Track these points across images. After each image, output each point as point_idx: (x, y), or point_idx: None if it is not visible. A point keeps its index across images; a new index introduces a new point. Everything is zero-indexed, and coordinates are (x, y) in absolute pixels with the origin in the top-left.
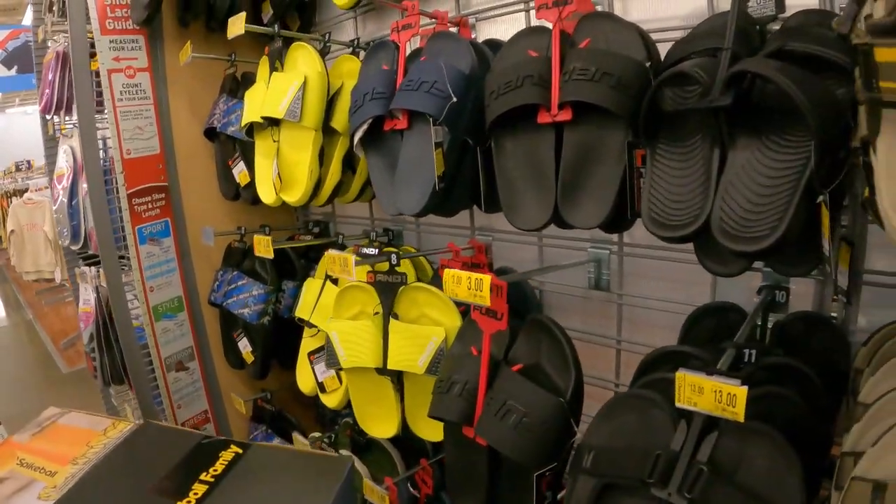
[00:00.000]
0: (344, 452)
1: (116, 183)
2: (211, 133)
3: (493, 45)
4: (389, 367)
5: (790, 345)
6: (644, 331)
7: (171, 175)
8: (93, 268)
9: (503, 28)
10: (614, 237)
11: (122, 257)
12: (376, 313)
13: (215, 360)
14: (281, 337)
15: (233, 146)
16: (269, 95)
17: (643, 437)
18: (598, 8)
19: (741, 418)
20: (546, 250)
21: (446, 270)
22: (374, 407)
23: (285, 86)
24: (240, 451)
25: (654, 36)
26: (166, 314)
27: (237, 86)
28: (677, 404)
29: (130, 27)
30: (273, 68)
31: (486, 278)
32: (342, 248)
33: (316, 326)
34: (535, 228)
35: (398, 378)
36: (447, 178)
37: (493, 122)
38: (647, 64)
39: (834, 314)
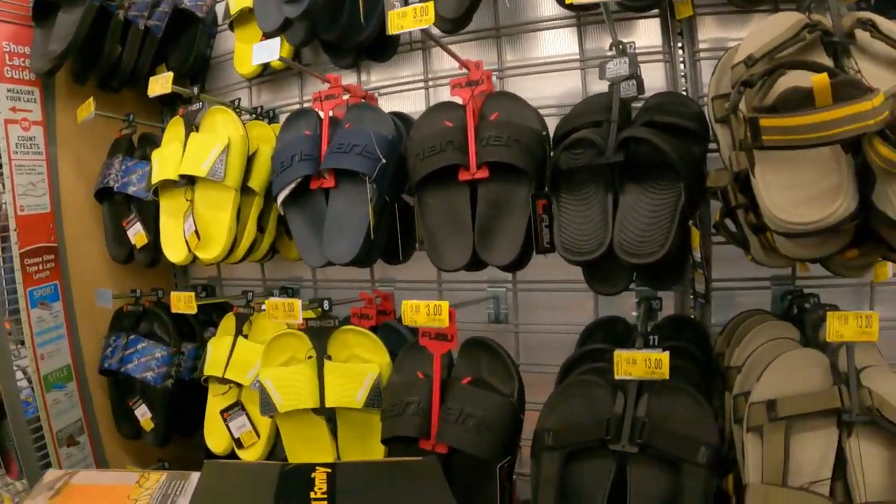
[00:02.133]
0: None
1: (9, 241)
2: (101, 194)
3: (398, 116)
4: (328, 405)
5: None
6: (540, 354)
7: (59, 236)
8: None
9: (399, 104)
10: (508, 277)
11: None
12: (310, 357)
13: (104, 431)
14: (182, 401)
15: (128, 207)
16: (188, 155)
17: (592, 410)
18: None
19: (667, 376)
20: (446, 294)
21: (404, 302)
22: (309, 450)
23: (208, 146)
24: (329, 469)
25: None
26: (56, 384)
27: (132, 147)
28: (616, 376)
29: (27, 77)
30: (189, 129)
31: (445, 304)
32: (248, 305)
33: (230, 382)
34: (457, 269)
35: (332, 418)
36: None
37: (419, 180)
38: (544, 133)
39: (692, 316)
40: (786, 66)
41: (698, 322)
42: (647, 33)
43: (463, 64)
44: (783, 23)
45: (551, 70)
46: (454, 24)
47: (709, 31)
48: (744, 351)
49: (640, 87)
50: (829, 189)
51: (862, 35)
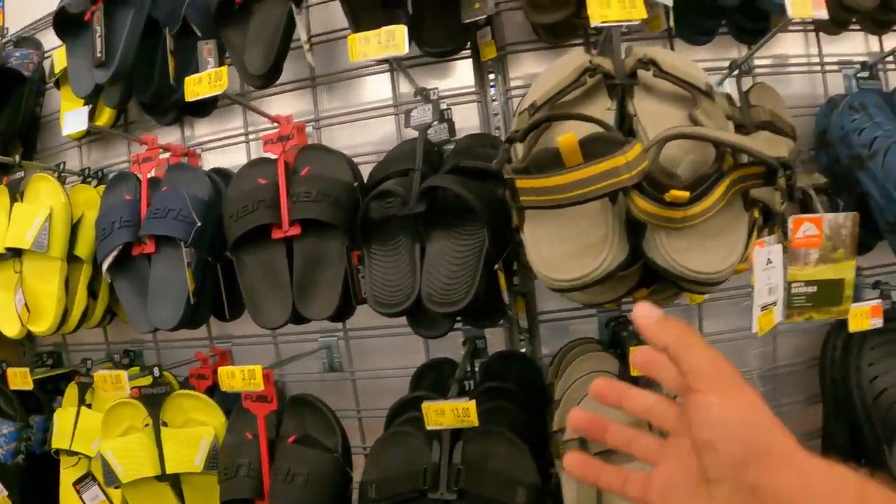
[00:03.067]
0: None
1: None
2: None
3: (220, 173)
4: (169, 471)
5: (497, 377)
6: (378, 399)
7: None
8: None
9: (225, 158)
10: (339, 326)
11: None
12: (147, 425)
13: None
14: (37, 476)
15: None
16: (12, 226)
17: (409, 460)
18: (310, 140)
19: (476, 423)
20: (282, 347)
21: (220, 368)
22: None
23: (30, 217)
24: None
25: (354, 159)
26: None
27: None
28: (428, 427)
29: None
30: (13, 199)
31: (258, 368)
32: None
33: (77, 454)
34: (278, 326)
35: (176, 483)
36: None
37: (234, 241)
38: (355, 184)
39: (524, 349)
40: (545, 121)
41: (527, 356)
42: (462, 73)
43: (272, 119)
44: (567, 66)
45: (367, 117)
46: (262, 79)
47: (525, 67)
48: (564, 385)
49: (451, 130)
50: (595, 242)
51: (645, 74)
